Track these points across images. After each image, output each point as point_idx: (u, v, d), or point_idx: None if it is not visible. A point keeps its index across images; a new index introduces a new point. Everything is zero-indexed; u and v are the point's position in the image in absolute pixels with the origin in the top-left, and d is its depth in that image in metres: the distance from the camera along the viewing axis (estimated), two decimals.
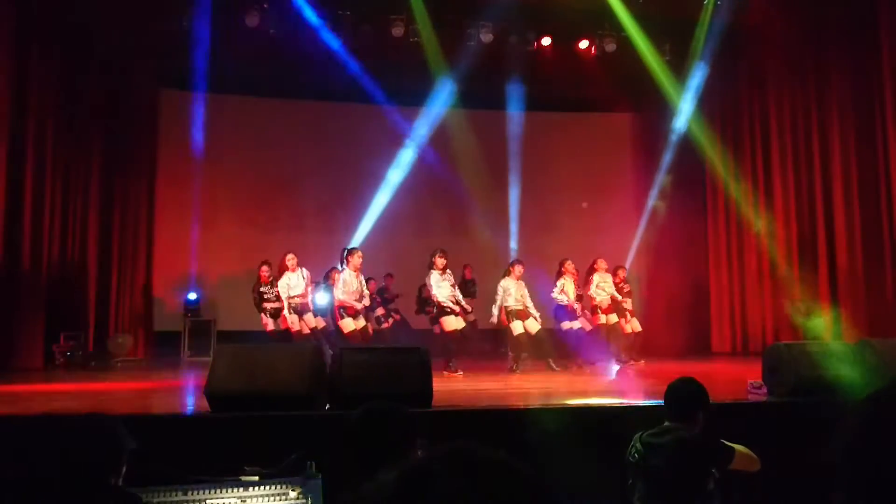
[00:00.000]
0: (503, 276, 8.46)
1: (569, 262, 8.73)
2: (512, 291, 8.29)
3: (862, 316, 8.34)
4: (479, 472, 0.77)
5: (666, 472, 2.91)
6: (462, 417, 4.64)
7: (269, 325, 8.32)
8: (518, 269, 8.41)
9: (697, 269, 11.50)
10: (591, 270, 8.94)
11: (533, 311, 8.31)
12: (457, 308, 8.00)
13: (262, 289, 8.53)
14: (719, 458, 2.98)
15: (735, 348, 10.60)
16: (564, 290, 8.57)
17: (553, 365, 8.08)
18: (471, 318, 8.80)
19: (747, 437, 3.16)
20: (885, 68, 8.07)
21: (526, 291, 8.41)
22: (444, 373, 7.32)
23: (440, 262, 8.08)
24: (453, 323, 7.93)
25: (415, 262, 9.97)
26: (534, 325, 8.26)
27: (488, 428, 4.41)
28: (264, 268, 8.63)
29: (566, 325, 8.55)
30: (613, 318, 8.80)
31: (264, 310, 8.39)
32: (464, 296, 8.43)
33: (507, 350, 8.72)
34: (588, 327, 8.66)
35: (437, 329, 8.40)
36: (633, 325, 9.12)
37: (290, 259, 8.27)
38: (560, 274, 8.69)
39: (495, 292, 8.40)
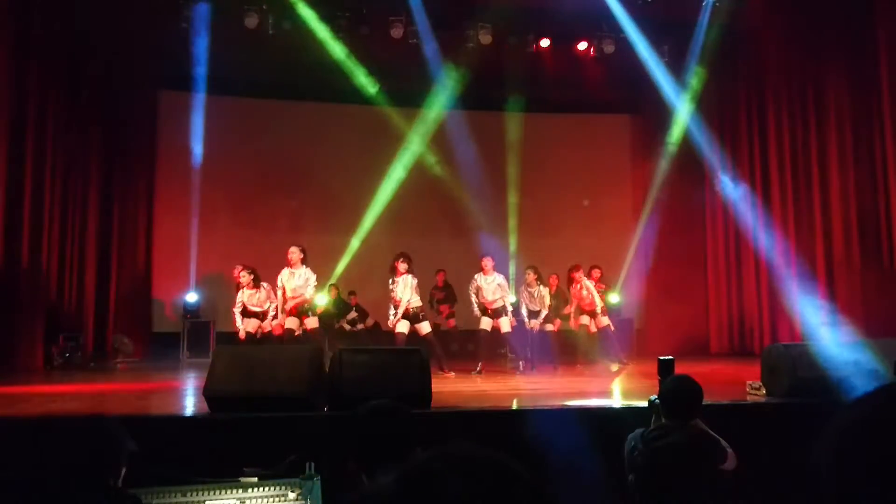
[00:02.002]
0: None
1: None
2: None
3: (860, 316, 8.35)
4: (480, 472, 0.78)
5: (669, 472, 2.92)
6: (461, 419, 4.65)
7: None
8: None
9: (696, 269, 11.51)
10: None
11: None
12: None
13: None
14: (718, 458, 2.99)
15: (734, 349, 10.60)
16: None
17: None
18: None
19: (746, 439, 3.17)
20: (882, 69, 8.08)
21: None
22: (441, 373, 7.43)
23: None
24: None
25: (414, 263, 9.96)
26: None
27: (487, 429, 4.41)
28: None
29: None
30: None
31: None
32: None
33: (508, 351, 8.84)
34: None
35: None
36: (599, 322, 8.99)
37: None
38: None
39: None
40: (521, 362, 8.28)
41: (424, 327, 7.91)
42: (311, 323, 7.91)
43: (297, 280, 7.77)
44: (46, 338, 8.67)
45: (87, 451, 2.25)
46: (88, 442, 2.27)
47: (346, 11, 10.09)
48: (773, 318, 9.85)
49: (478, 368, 7.90)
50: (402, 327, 7.80)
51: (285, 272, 7.80)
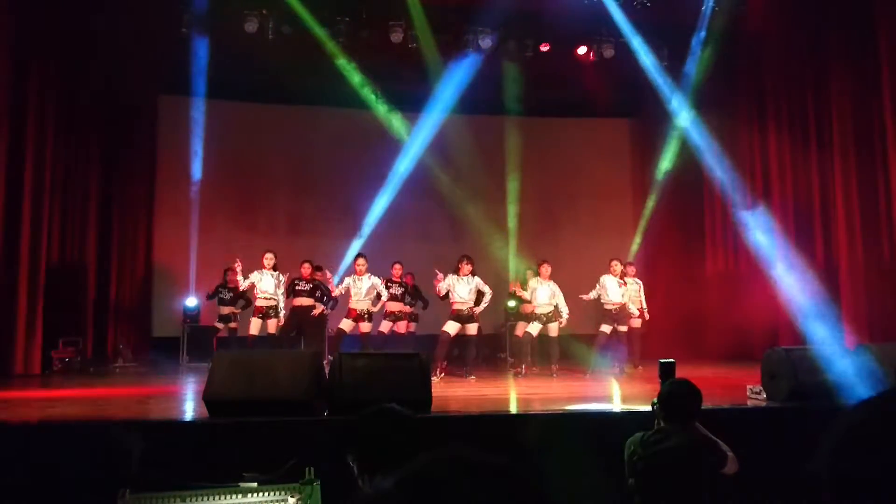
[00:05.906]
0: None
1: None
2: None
3: (861, 320, 8.34)
4: (480, 476, 0.77)
5: (669, 475, 2.91)
6: (461, 423, 4.64)
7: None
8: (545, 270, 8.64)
9: (696, 272, 11.50)
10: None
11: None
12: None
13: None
14: (718, 461, 2.99)
15: (734, 352, 10.58)
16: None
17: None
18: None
19: (747, 443, 3.17)
20: (883, 72, 8.09)
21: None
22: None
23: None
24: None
25: (414, 266, 9.97)
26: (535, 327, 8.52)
27: (487, 433, 4.41)
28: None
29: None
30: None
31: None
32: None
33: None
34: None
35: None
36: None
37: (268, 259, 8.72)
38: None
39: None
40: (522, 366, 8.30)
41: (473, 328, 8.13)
42: (364, 328, 8.41)
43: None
44: (46, 342, 8.66)
45: (84, 456, 2.24)
46: (85, 448, 2.26)
47: (346, 16, 10.10)
48: (773, 321, 9.83)
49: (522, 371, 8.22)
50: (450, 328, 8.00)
51: (348, 280, 8.53)
